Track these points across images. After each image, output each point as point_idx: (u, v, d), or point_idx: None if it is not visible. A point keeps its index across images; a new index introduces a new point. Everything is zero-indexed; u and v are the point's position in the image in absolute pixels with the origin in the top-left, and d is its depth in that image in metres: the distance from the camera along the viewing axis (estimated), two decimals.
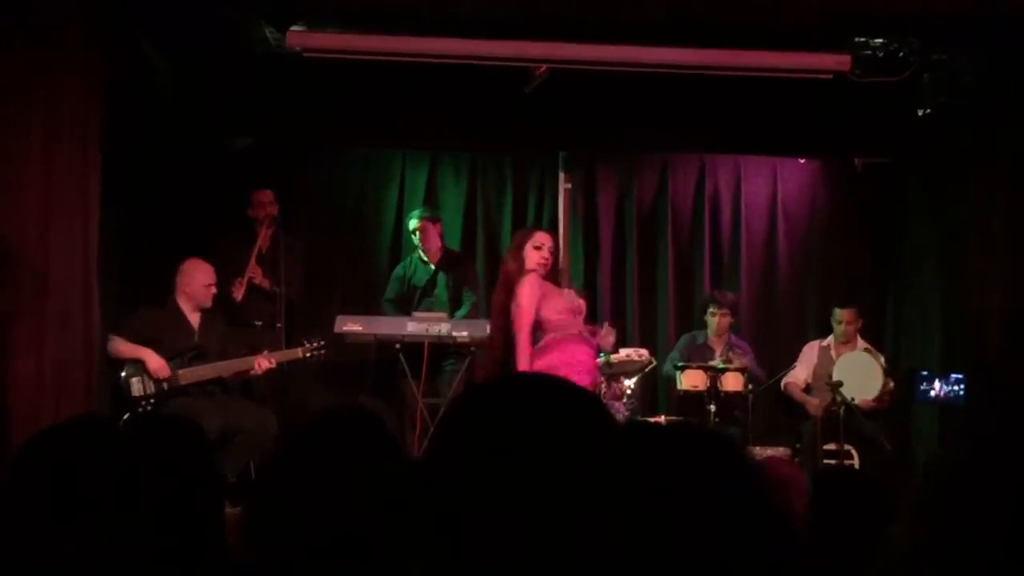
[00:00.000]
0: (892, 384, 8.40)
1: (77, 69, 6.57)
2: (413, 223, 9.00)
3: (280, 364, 7.90)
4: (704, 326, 9.18)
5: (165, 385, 7.51)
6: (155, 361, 7.52)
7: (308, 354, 7.95)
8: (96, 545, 2.45)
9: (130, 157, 7.82)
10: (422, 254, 9.02)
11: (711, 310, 9.10)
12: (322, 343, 8.01)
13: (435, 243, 9.02)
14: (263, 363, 7.78)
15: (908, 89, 8.13)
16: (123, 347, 7.51)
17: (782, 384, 8.96)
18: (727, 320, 9.11)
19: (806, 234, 10.04)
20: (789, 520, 2.30)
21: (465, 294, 8.97)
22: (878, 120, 8.68)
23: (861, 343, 8.87)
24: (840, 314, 8.93)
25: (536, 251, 7.23)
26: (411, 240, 9.16)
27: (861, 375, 8.33)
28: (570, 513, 1.57)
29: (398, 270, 9.21)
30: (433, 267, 9.00)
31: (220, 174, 9.04)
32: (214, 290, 7.87)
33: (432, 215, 9.12)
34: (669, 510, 1.88)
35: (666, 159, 10.02)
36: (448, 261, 9.07)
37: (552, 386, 1.73)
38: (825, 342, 9.02)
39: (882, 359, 8.48)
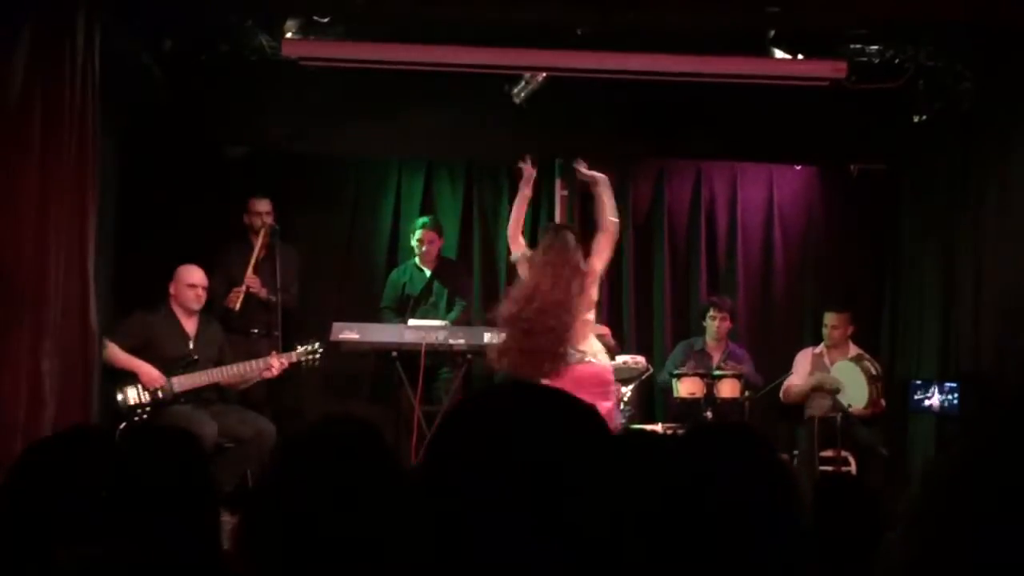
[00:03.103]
0: (878, 392, 8.36)
1: (74, 78, 6.57)
2: (418, 233, 8.97)
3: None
4: (702, 332, 9.17)
5: (160, 394, 7.50)
6: (148, 374, 7.50)
7: (304, 359, 7.96)
8: (93, 556, 2.44)
9: (126, 165, 7.83)
10: (419, 261, 9.01)
11: (711, 313, 9.08)
12: (318, 346, 8.01)
13: (434, 253, 9.01)
14: (275, 363, 7.81)
15: (904, 96, 8.15)
16: (118, 356, 7.49)
17: (781, 392, 8.94)
18: (726, 325, 9.10)
19: (802, 240, 10.05)
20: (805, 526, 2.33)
21: (457, 300, 8.98)
22: (874, 127, 8.70)
23: (853, 349, 8.84)
24: (828, 318, 8.94)
25: None
26: (409, 247, 9.16)
27: (852, 385, 8.33)
28: (567, 519, 1.57)
29: (394, 275, 9.19)
30: (428, 274, 8.98)
31: (216, 182, 9.04)
32: (199, 292, 7.85)
33: (437, 227, 9.09)
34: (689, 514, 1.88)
35: (662, 166, 10.02)
36: (443, 269, 9.06)
37: (548, 395, 1.73)
38: (818, 349, 9.01)
39: (871, 368, 8.43)
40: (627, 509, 1.66)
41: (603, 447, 1.68)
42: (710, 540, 2.08)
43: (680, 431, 7.48)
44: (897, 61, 7.80)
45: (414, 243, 8.98)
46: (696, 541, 2.09)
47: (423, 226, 8.98)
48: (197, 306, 7.86)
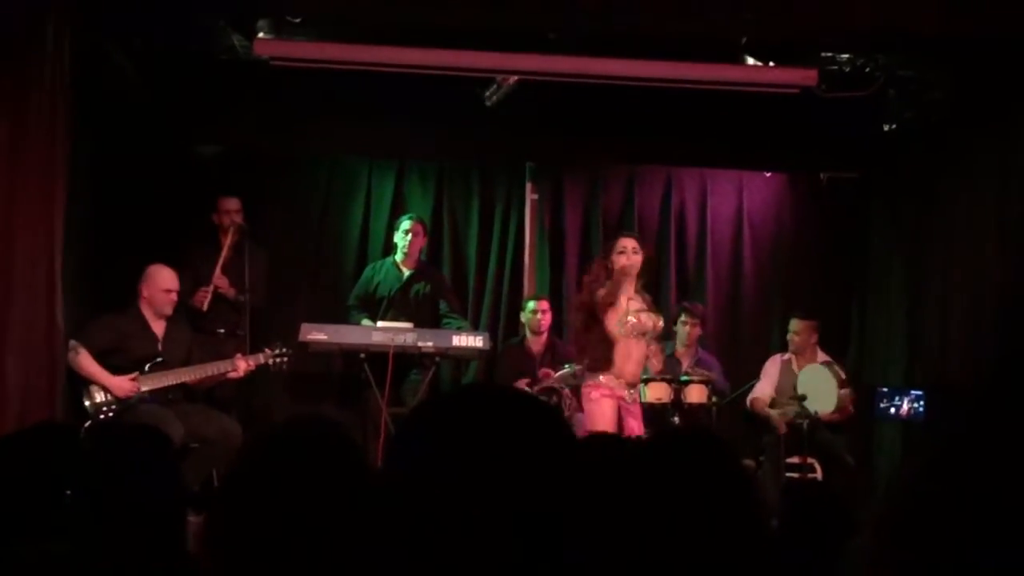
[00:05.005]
0: (849, 394, 8.40)
1: (44, 75, 6.52)
2: (406, 224, 8.93)
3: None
4: (672, 337, 9.17)
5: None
6: (120, 387, 7.42)
7: (272, 360, 7.93)
8: (58, 554, 2.43)
9: (97, 164, 7.78)
10: (399, 258, 8.95)
11: (683, 319, 9.11)
12: (286, 350, 7.99)
13: (417, 250, 8.96)
14: (242, 364, 7.76)
15: (874, 105, 8.18)
16: (89, 366, 7.40)
17: (748, 400, 8.97)
18: (697, 331, 9.14)
19: (771, 247, 10.08)
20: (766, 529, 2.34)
21: (454, 317, 8.93)
22: (844, 135, 8.73)
23: (821, 356, 8.87)
24: (792, 324, 8.97)
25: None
26: (378, 248, 9.14)
27: (821, 388, 8.34)
28: (529, 521, 1.57)
29: (368, 271, 9.12)
30: (406, 275, 8.92)
31: (186, 181, 8.99)
32: (174, 297, 7.79)
33: (423, 222, 9.06)
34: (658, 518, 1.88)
35: (633, 171, 10.05)
36: (422, 274, 9.01)
37: (510, 397, 1.74)
38: (786, 356, 9.04)
39: (840, 371, 8.48)
40: (587, 509, 1.66)
41: (564, 448, 1.69)
42: (672, 543, 2.08)
43: (645, 436, 7.50)
44: (867, 70, 7.83)
45: (399, 237, 8.92)
46: (658, 544, 2.09)
47: (411, 218, 8.96)
48: (171, 311, 7.79)
